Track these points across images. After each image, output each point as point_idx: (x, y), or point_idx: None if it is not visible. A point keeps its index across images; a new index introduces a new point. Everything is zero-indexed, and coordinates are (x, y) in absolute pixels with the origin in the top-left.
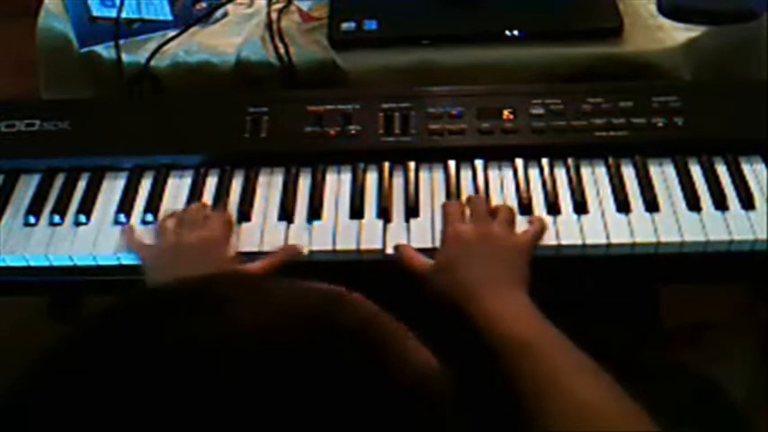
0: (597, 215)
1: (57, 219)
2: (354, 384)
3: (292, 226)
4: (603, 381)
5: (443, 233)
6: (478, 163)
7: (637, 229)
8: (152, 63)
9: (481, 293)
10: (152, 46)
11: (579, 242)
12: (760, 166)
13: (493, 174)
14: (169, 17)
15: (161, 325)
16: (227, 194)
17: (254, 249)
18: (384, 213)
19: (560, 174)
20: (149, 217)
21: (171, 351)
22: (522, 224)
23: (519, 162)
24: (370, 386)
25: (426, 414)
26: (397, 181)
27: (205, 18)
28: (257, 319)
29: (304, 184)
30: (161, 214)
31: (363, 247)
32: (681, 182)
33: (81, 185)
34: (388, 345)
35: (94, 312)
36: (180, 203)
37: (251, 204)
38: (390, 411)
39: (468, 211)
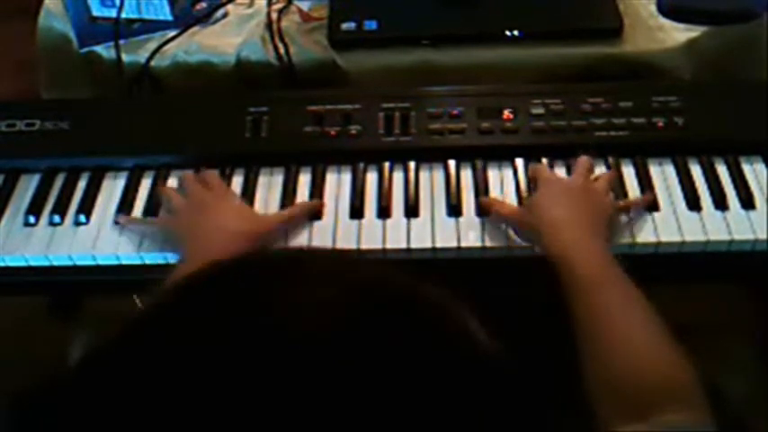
0: None
1: (57, 219)
2: (437, 356)
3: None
4: (653, 328)
5: (536, 177)
6: (478, 163)
7: (637, 228)
8: (152, 63)
9: (563, 228)
10: (152, 46)
11: None
12: (760, 166)
13: (493, 174)
14: (169, 17)
15: (246, 297)
16: None
17: None
18: (384, 213)
19: (560, 174)
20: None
21: (254, 323)
22: None
23: (519, 162)
24: (452, 358)
25: (501, 389)
26: (397, 181)
27: (205, 18)
28: (336, 294)
29: (304, 183)
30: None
31: (364, 246)
32: (681, 182)
33: (81, 185)
34: (465, 320)
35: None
36: None
37: (251, 204)
38: (470, 382)
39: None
